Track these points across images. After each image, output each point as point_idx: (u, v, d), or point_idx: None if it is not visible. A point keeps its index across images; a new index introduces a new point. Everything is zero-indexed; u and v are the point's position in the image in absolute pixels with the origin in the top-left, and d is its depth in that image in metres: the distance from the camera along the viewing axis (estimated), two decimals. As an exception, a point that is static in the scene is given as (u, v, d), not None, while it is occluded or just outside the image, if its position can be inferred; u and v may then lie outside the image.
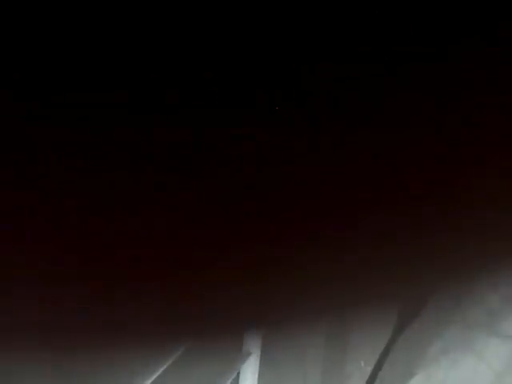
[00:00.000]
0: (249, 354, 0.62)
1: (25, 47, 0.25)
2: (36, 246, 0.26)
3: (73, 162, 0.26)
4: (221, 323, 0.28)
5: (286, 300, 0.28)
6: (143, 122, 0.26)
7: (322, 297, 0.29)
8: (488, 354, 0.53)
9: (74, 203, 0.26)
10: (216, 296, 0.27)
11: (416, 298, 0.57)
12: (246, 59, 0.26)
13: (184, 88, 0.26)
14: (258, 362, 0.62)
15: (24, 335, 0.26)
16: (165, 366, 0.48)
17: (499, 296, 0.55)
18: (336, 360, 0.61)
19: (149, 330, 0.27)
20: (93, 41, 0.25)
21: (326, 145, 0.27)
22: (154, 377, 0.46)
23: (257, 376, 0.62)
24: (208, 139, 0.26)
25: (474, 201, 0.28)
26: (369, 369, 0.59)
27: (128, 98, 0.26)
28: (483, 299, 0.55)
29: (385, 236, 0.28)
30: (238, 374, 0.61)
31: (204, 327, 0.29)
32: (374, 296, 0.30)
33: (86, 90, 0.25)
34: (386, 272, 0.28)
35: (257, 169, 0.26)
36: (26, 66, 0.25)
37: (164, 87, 0.26)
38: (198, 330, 0.31)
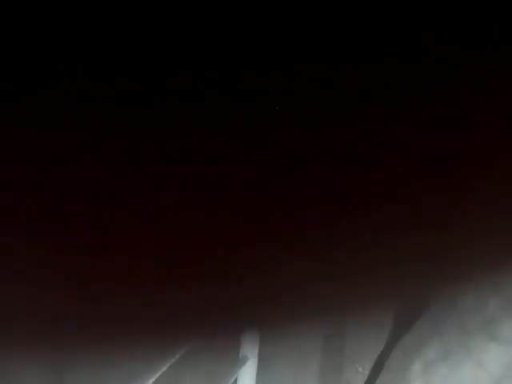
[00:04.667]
0: (246, 359, 0.61)
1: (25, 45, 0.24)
2: (35, 245, 0.25)
3: (71, 161, 0.25)
4: (218, 325, 0.28)
5: (282, 302, 0.28)
6: (145, 123, 0.26)
7: (319, 299, 0.28)
8: (487, 359, 0.52)
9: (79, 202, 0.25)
10: (213, 297, 0.27)
11: (414, 301, 0.56)
12: (245, 60, 0.26)
13: (183, 87, 0.26)
14: (255, 367, 0.61)
15: (23, 335, 0.26)
16: (164, 368, 0.47)
17: (499, 299, 0.54)
18: (334, 364, 0.61)
19: (148, 331, 0.27)
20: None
21: (326, 144, 0.26)
22: (152, 379, 0.46)
23: (254, 381, 0.61)
24: (207, 139, 0.26)
25: (474, 201, 0.27)
26: (366, 373, 0.58)
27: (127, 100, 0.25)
28: (482, 303, 0.54)
29: (383, 236, 0.27)
30: (236, 379, 0.60)
31: (203, 328, 0.29)
32: (372, 298, 0.29)
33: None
34: (383, 273, 0.28)
35: (255, 168, 0.26)
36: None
37: (162, 92, 0.25)
38: (197, 332, 0.31)
